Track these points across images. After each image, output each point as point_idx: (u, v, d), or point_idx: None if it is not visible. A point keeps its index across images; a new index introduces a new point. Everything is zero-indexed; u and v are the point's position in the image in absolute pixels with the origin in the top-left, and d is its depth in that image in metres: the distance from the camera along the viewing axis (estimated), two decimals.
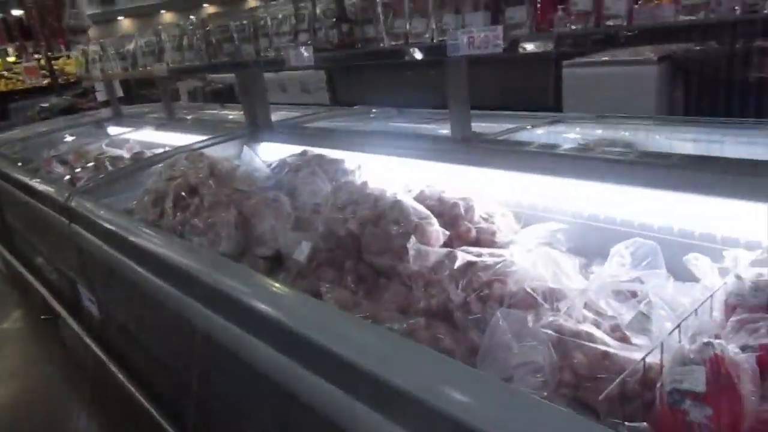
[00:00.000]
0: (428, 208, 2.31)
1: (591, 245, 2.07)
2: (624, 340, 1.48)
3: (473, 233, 2.19)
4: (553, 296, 1.55)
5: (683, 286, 1.55)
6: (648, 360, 1.33)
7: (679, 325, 1.32)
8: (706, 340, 1.26)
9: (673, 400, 1.18)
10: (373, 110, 4.10)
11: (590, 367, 1.38)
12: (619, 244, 1.61)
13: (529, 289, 1.55)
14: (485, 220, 2.24)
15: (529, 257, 1.66)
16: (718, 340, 1.26)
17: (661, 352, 1.27)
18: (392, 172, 2.62)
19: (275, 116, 3.77)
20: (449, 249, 1.81)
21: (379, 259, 2.05)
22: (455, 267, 1.70)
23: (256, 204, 2.38)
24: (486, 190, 2.44)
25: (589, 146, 2.21)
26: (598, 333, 1.45)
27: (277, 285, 1.76)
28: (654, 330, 1.38)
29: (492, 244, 2.16)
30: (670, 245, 1.81)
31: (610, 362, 1.37)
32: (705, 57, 4.77)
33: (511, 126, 2.70)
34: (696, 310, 1.37)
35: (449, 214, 2.28)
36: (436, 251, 1.82)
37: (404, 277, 1.92)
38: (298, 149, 2.98)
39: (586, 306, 1.55)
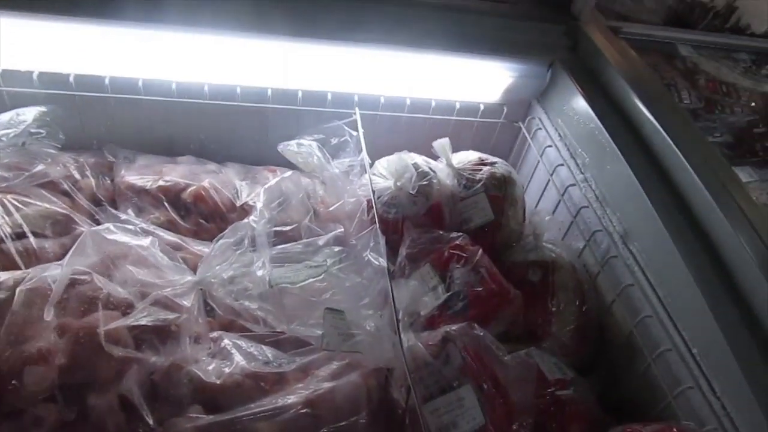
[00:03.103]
0: None
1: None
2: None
3: None
4: (162, 335, 0.76)
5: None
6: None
7: (397, 314, 0.84)
8: (443, 331, 0.86)
9: None
10: None
11: None
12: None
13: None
14: None
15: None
16: (452, 327, 0.87)
17: (408, 374, 0.79)
18: None
19: None
20: None
21: None
22: None
23: None
24: None
25: None
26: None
27: None
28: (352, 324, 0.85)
29: None
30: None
31: None
32: None
33: None
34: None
35: None
36: None
37: None
38: None
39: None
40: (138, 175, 1.14)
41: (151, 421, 0.73)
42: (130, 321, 0.71)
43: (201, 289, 0.82)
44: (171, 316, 0.75)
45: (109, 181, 1.16)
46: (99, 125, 1.21)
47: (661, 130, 1.04)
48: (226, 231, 0.85)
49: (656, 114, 1.07)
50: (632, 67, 1.21)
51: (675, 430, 0.80)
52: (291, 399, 0.81)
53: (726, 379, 0.81)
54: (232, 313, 0.83)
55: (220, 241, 0.83)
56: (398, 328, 0.82)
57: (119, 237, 0.78)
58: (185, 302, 0.76)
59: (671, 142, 1.02)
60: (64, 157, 1.13)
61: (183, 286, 0.79)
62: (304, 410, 0.80)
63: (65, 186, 1.10)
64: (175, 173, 1.15)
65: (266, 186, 0.94)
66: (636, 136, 1.09)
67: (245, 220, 0.87)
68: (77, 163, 1.14)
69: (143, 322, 0.72)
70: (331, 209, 1.03)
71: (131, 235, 0.80)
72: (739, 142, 1.52)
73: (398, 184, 1.04)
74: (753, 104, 1.51)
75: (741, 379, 0.77)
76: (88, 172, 1.14)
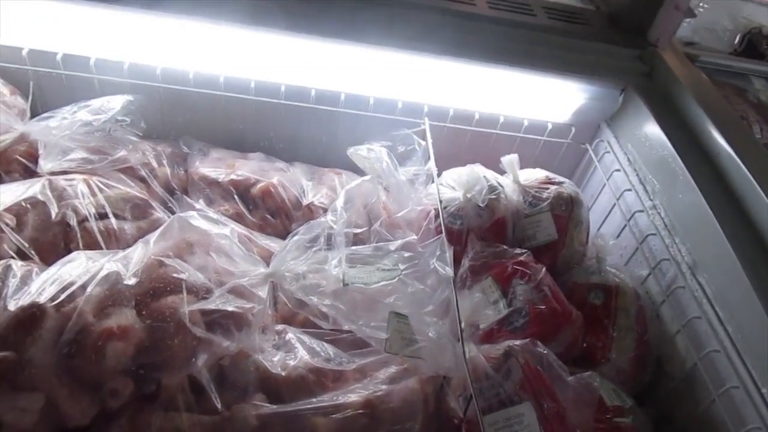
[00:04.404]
0: None
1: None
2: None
3: None
4: (239, 322, 0.79)
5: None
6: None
7: (461, 323, 0.84)
8: (506, 345, 0.86)
9: None
10: None
11: None
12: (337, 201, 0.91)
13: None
14: None
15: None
16: (514, 343, 0.87)
17: (471, 384, 0.80)
18: None
19: None
20: None
21: None
22: None
23: None
24: None
25: None
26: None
27: None
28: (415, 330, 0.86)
29: None
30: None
31: None
32: None
33: None
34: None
35: None
36: None
37: None
38: None
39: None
40: (211, 168, 1.18)
41: (219, 405, 0.76)
42: (212, 305, 0.74)
43: (272, 282, 0.85)
44: (248, 304, 0.77)
45: (182, 171, 1.20)
46: (177, 117, 1.26)
47: (739, 162, 1.02)
48: (301, 228, 0.87)
49: (734, 145, 1.05)
50: (709, 97, 1.19)
51: None
52: (350, 398, 0.82)
53: None
54: (300, 307, 0.85)
55: (295, 237, 0.85)
56: (461, 338, 0.83)
57: (203, 224, 0.82)
58: (260, 293, 0.79)
59: (749, 174, 1.00)
60: (144, 144, 1.18)
61: (257, 276, 0.82)
62: (362, 411, 0.82)
63: (143, 172, 1.14)
64: (246, 168, 1.18)
65: (347, 188, 0.96)
66: (711, 167, 1.07)
67: (321, 219, 0.89)
68: (155, 152, 1.19)
69: (226, 307, 0.75)
70: (398, 215, 1.04)
71: (213, 223, 0.83)
72: None
73: (468, 195, 1.05)
74: None
75: None
76: (164, 161, 1.19)
